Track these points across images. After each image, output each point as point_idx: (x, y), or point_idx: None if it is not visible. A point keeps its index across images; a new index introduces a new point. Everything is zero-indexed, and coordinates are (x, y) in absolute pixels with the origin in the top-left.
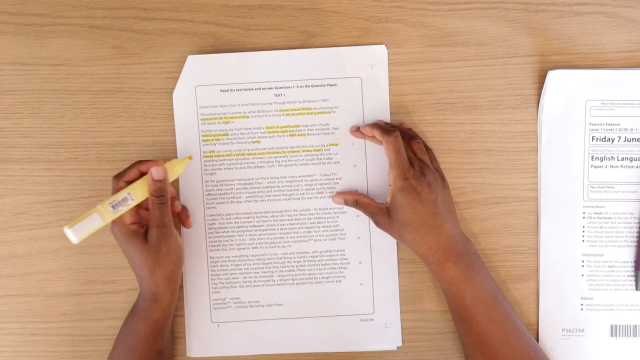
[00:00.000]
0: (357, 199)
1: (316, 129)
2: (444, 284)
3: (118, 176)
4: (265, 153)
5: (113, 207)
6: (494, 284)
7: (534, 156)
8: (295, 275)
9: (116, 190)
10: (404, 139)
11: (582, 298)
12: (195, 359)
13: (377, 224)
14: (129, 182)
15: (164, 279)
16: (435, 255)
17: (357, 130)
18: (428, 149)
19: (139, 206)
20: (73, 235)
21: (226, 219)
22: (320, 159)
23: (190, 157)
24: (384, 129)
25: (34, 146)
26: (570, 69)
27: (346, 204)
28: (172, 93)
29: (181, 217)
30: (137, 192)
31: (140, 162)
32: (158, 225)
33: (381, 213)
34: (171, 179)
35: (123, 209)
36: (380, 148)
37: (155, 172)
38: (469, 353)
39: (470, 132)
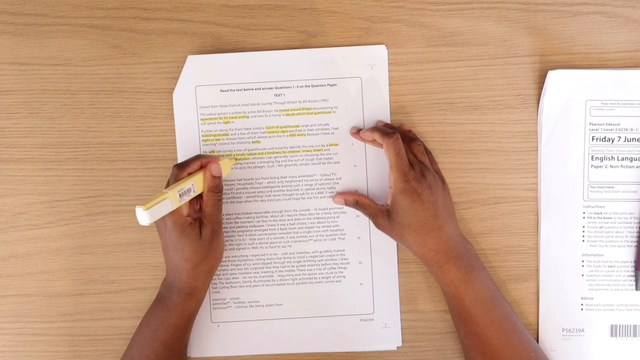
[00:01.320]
0: (357, 200)
1: (316, 129)
2: (444, 286)
3: (180, 166)
4: (265, 153)
5: (180, 195)
6: (494, 285)
7: (534, 156)
8: (295, 275)
9: (176, 179)
10: (404, 141)
11: (582, 298)
12: (195, 359)
13: (378, 225)
14: (190, 174)
15: (206, 273)
16: (435, 257)
17: (357, 133)
18: (428, 151)
19: (193, 199)
20: (148, 217)
21: (226, 219)
22: (320, 159)
23: (235, 159)
24: (384, 131)
25: (34, 146)
26: (570, 69)
27: (346, 204)
28: (172, 93)
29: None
30: (198, 185)
31: (200, 156)
32: (213, 221)
33: (382, 215)
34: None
35: (186, 199)
36: (380, 148)
37: (214, 168)
38: (470, 354)
39: (470, 132)
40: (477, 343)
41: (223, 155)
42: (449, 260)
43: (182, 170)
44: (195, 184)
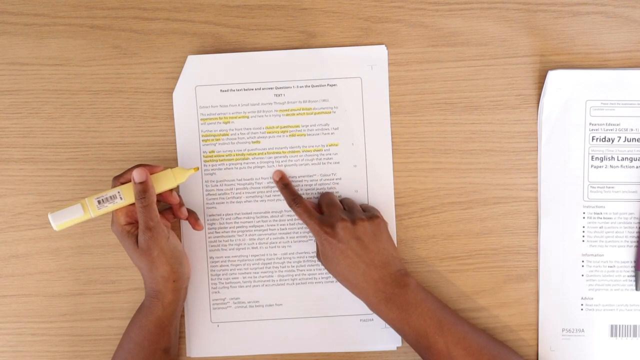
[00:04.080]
0: (307, 222)
1: (316, 129)
2: (388, 320)
3: (116, 177)
4: (265, 153)
5: (99, 202)
6: (438, 310)
7: (534, 156)
8: (295, 275)
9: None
10: None
11: (582, 298)
12: (195, 359)
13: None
14: (122, 183)
15: (162, 278)
16: (366, 300)
17: (277, 180)
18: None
19: (134, 207)
20: (52, 221)
21: (226, 219)
22: (320, 159)
23: (197, 168)
24: (289, 198)
25: (34, 146)
26: (570, 69)
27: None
28: (172, 93)
29: (190, 222)
30: (129, 193)
31: (140, 165)
32: (144, 229)
33: (318, 257)
34: (170, 186)
35: (109, 207)
36: (380, 148)
37: (136, 174)
38: None
39: (470, 132)
40: (439, 357)
41: (196, 168)
42: (380, 303)
43: (116, 180)
44: (123, 192)
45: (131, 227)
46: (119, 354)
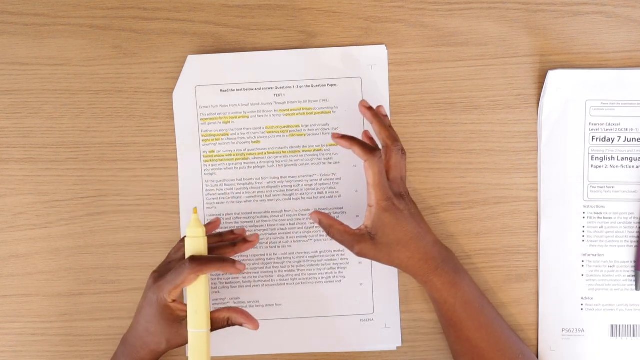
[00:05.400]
0: (331, 224)
1: (316, 129)
2: (434, 292)
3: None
4: (265, 153)
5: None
6: (479, 289)
7: (534, 156)
8: (295, 275)
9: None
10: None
11: (582, 298)
12: None
13: (360, 252)
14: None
15: (151, 345)
16: (425, 265)
17: (340, 138)
18: (403, 152)
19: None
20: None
21: (226, 219)
22: (320, 159)
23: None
24: (366, 147)
25: (34, 146)
26: (570, 69)
27: (320, 224)
28: (172, 93)
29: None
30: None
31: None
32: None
33: (364, 240)
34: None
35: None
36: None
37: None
38: None
39: (470, 132)
40: (468, 348)
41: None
42: (438, 266)
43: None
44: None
45: (176, 304)
46: None
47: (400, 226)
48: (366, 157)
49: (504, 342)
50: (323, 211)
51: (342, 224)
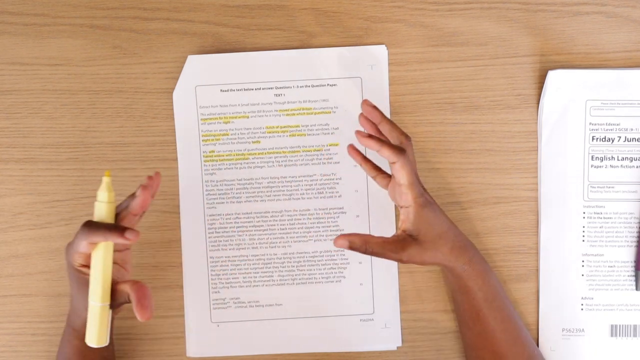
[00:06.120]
0: (366, 240)
1: (316, 129)
2: (470, 281)
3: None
4: (265, 153)
5: None
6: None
7: (534, 156)
8: (295, 275)
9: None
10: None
11: (582, 298)
12: (195, 359)
13: (409, 257)
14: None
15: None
16: (463, 255)
17: (367, 137)
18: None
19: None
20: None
21: (226, 219)
22: (320, 159)
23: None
24: (395, 148)
25: (34, 146)
26: (570, 69)
27: (352, 247)
28: (172, 93)
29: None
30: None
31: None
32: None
33: (408, 244)
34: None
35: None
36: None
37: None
38: (479, 354)
39: (470, 132)
40: (489, 342)
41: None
42: (473, 256)
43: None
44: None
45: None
46: None
47: (438, 218)
48: (397, 158)
49: (522, 339)
50: (322, 211)
51: (374, 236)
